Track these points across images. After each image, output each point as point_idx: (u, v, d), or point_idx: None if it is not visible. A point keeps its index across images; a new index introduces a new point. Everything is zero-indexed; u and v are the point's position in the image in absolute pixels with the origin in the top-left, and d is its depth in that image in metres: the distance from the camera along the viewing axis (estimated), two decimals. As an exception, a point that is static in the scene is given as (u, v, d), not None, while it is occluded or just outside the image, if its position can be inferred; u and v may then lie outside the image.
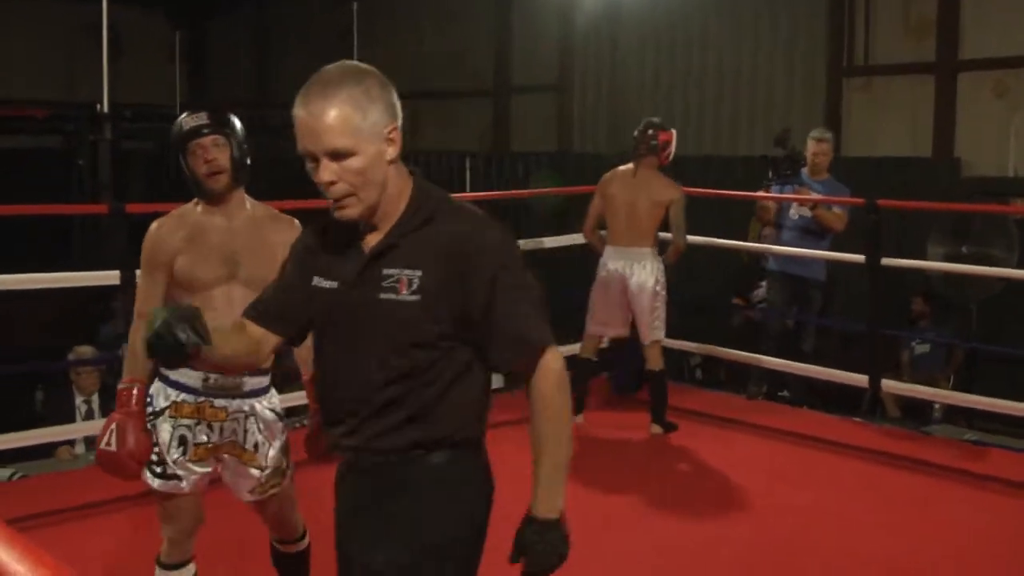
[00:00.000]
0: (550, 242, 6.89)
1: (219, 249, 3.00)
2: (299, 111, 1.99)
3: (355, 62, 2.07)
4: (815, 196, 6.45)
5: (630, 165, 5.90)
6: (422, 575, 2.08)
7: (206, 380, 2.97)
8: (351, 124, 1.97)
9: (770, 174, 6.56)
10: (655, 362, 5.88)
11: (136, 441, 2.88)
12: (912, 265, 6.49)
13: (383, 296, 2.05)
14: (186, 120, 3.04)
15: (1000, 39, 7.94)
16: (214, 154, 3.00)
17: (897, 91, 8.53)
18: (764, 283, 7.50)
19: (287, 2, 13.44)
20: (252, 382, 3.01)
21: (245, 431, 3.03)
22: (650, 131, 5.83)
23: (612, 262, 5.85)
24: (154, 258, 3.03)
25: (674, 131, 5.94)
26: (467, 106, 11.74)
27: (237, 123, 3.06)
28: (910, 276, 7.30)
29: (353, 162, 1.99)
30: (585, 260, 6.38)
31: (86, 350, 6.52)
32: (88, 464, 4.70)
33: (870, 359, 6.07)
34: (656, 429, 5.87)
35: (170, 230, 3.05)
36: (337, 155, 1.98)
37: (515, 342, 2.06)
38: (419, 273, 2.04)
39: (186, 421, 2.96)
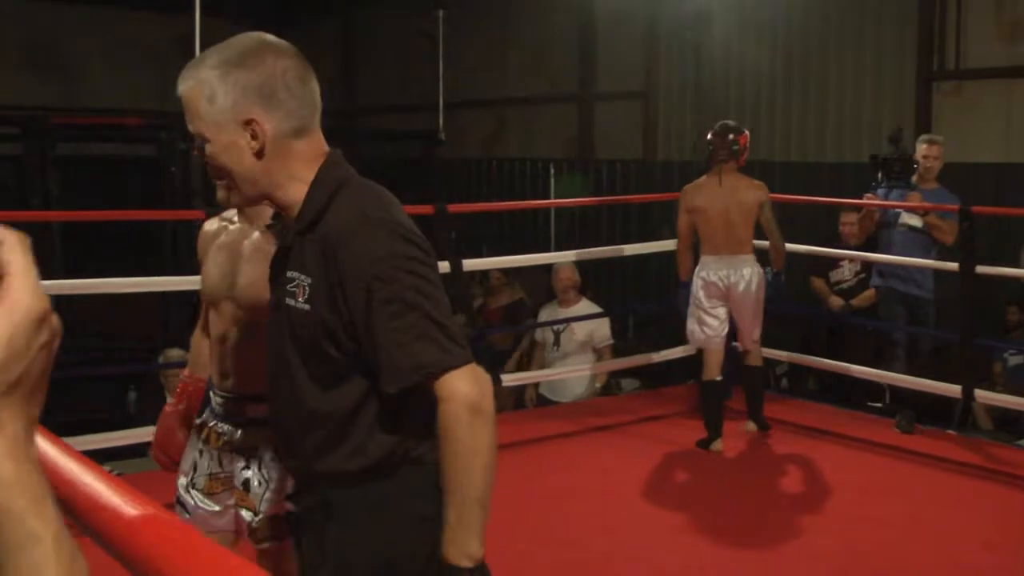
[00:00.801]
0: (630, 249, 6.88)
1: (230, 261, 2.58)
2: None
3: (262, 35, 1.82)
4: (922, 203, 5.98)
5: (711, 174, 5.71)
6: None
7: (219, 400, 2.56)
8: (196, 107, 1.76)
9: (879, 176, 6.22)
10: (756, 359, 5.88)
11: (163, 435, 2.70)
12: (1007, 273, 6.34)
13: (287, 301, 1.82)
14: None
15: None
16: None
17: (989, 95, 8.32)
18: (843, 264, 7.20)
19: (373, 10, 13.59)
20: (255, 410, 2.43)
21: (235, 464, 2.53)
22: (730, 136, 5.67)
23: (714, 272, 5.67)
24: (200, 258, 2.72)
25: (747, 132, 5.80)
26: (552, 113, 11.75)
27: None
28: (1005, 285, 7.11)
29: (209, 149, 1.77)
30: (665, 266, 6.34)
31: (176, 353, 6.66)
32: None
33: (964, 370, 5.93)
34: (751, 426, 5.83)
35: (207, 231, 2.71)
36: (196, 138, 1.78)
37: (398, 367, 1.73)
38: (309, 280, 1.79)
39: (200, 445, 2.60)
